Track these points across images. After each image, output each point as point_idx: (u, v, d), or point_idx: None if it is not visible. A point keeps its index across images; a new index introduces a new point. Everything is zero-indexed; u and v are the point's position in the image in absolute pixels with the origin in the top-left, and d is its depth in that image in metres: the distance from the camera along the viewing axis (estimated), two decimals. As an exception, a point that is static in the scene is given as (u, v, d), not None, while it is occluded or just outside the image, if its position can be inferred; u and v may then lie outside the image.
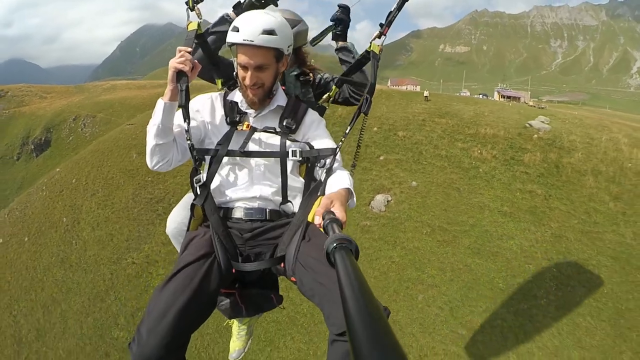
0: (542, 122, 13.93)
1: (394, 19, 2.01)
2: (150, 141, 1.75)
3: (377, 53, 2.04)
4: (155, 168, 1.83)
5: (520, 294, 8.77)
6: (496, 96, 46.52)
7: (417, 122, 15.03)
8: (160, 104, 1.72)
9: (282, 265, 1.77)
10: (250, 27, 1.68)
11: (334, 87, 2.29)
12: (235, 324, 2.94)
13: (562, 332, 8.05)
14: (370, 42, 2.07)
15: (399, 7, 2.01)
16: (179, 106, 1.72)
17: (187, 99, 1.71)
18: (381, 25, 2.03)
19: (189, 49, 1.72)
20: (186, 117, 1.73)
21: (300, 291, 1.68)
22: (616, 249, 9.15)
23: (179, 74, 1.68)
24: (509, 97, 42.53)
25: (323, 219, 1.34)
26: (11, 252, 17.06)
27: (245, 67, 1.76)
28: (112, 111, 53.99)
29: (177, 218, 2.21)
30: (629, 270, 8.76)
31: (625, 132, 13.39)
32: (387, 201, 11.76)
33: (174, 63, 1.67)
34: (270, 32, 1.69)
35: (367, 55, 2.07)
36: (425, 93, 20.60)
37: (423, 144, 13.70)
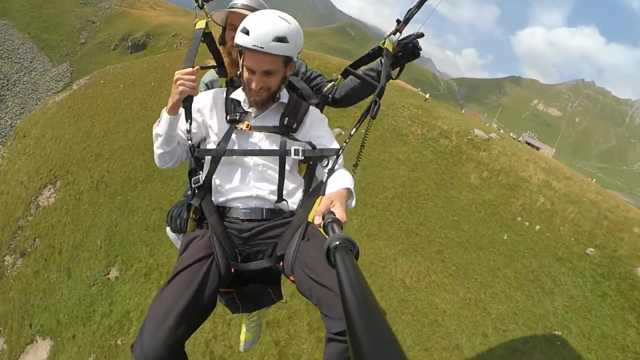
0: (489, 135, 16.69)
1: (412, 17, 1.94)
2: (157, 150, 1.88)
3: (391, 51, 1.98)
4: (164, 168, 1.99)
5: (369, 191, 13.31)
6: (521, 140, 49.49)
7: (398, 106, 19.20)
8: (165, 117, 1.78)
9: (280, 264, 1.84)
10: (261, 31, 1.64)
11: (339, 76, 2.22)
12: (244, 317, 3.09)
13: (362, 215, 12.16)
14: (385, 38, 2.00)
15: (419, 5, 1.91)
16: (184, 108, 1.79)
17: (190, 115, 1.80)
18: (398, 22, 1.97)
19: (195, 72, 1.77)
20: (188, 117, 1.80)
21: (298, 290, 1.74)
22: (440, 190, 13.00)
23: (187, 97, 1.75)
24: (530, 145, 45.77)
25: (323, 219, 1.39)
26: (107, 90, 24.98)
27: (252, 71, 1.75)
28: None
29: None
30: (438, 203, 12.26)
31: (554, 165, 15.81)
32: (340, 134, 17.51)
33: (186, 88, 1.72)
34: (282, 39, 1.66)
35: (379, 51, 2.01)
36: (427, 96, 24.55)
37: (388, 116, 18.06)
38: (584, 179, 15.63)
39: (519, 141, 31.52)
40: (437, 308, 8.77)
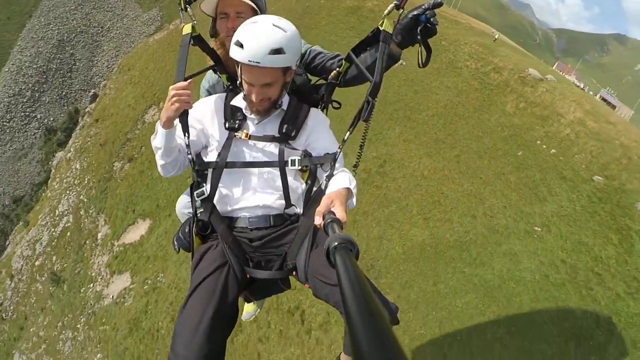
0: (545, 77, 16.63)
1: None
2: (159, 161, 1.85)
3: (391, 33, 1.70)
4: (168, 177, 2.00)
5: (414, 109, 15.43)
6: (597, 97, 45.61)
7: (461, 43, 19.31)
8: (161, 131, 1.75)
9: (294, 273, 1.88)
10: (255, 45, 1.57)
11: (344, 62, 1.98)
12: None
13: (404, 126, 14.35)
14: (384, 17, 1.69)
15: None
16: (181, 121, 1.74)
17: (187, 128, 1.75)
18: None
19: (189, 85, 1.72)
20: (185, 131, 1.74)
21: (315, 296, 1.78)
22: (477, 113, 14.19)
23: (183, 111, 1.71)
24: (606, 101, 42.26)
25: (323, 218, 1.38)
26: (200, 29, 28.41)
27: (251, 84, 1.71)
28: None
29: (184, 201, 2.40)
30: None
31: (602, 112, 15.33)
32: (402, 64, 19.05)
33: (182, 104, 1.68)
34: (278, 51, 1.59)
35: (378, 34, 1.73)
36: (496, 36, 23.32)
37: (449, 51, 18.61)
38: (629, 128, 14.91)
39: (581, 89, 29.65)
40: (442, 193, 11.15)
